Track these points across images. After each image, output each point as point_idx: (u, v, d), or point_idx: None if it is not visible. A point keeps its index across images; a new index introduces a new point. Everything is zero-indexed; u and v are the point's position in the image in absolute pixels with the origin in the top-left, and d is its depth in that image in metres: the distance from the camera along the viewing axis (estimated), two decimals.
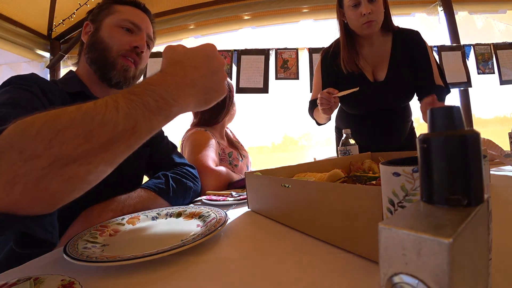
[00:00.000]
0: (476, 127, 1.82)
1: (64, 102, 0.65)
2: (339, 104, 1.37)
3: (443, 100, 1.13)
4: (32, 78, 0.64)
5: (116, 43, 0.73)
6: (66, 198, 0.38)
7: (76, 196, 0.39)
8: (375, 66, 1.19)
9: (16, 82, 0.61)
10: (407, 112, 1.30)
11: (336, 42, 1.23)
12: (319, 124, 1.33)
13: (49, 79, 0.71)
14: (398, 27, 1.17)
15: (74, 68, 0.82)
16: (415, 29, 1.18)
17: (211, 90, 0.47)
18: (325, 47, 1.29)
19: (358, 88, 1.01)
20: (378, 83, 1.17)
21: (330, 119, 1.31)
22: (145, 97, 0.39)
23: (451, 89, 1.21)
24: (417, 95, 1.18)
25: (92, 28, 0.76)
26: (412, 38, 1.14)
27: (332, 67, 1.21)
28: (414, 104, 1.27)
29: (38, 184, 0.34)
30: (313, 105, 1.28)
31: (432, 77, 1.12)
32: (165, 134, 0.98)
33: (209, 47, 0.48)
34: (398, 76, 1.15)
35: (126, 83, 0.77)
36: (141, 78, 0.85)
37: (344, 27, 1.16)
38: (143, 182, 0.81)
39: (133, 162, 0.79)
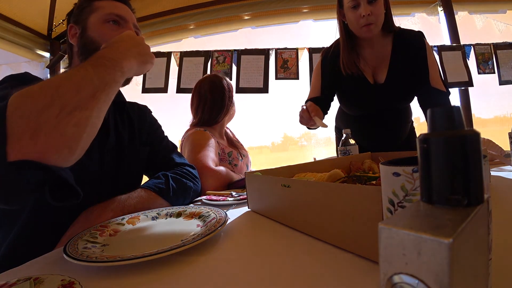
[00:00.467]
0: (476, 127, 1.82)
1: None
2: (339, 105, 1.37)
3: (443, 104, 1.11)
4: (27, 77, 0.64)
5: (107, 40, 0.72)
6: (81, 143, 0.47)
7: (88, 141, 0.49)
8: (375, 67, 1.17)
9: (10, 81, 0.61)
10: (407, 112, 1.29)
11: (337, 42, 1.21)
12: (309, 128, 1.30)
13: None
14: (399, 28, 1.15)
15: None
16: (418, 30, 1.15)
17: (144, 53, 0.63)
18: (326, 47, 1.27)
19: (327, 127, 1.01)
20: (378, 85, 1.16)
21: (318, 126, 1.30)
22: (101, 61, 0.53)
23: (451, 89, 1.18)
24: (417, 98, 1.17)
25: (78, 30, 0.75)
26: (413, 40, 1.12)
27: (333, 68, 1.19)
28: (415, 104, 1.26)
29: (56, 130, 0.42)
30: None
31: (427, 81, 1.09)
32: (165, 134, 0.98)
33: (131, 32, 0.65)
34: (398, 79, 1.13)
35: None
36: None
37: (344, 28, 1.14)
38: (143, 182, 0.81)
39: (132, 161, 0.80)
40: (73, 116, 0.44)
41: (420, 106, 1.15)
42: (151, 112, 0.98)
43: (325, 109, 1.20)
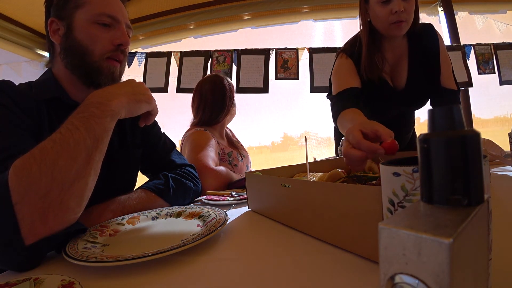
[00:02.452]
0: (476, 127, 1.82)
1: (40, 110, 0.62)
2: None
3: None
4: (1, 89, 0.59)
5: (97, 46, 0.65)
6: (81, 208, 0.49)
7: (85, 204, 0.50)
8: (393, 70, 1.08)
9: None
10: (413, 114, 1.28)
11: (359, 41, 1.05)
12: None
13: (18, 82, 0.67)
14: None
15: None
16: (428, 23, 1.07)
17: (137, 92, 0.60)
18: (347, 44, 1.10)
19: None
20: (398, 91, 1.07)
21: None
22: (89, 109, 0.51)
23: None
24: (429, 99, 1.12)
25: (62, 27, 0.65)
26: (427, 35, 1.04)
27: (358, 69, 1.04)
28: None
29: (62, 207, 0.45)
30: (340, 103, 0.97)
31: (438, 83, 1.04)
32: (163, 132, 0.94)
33: (132, 80, 0.63)
34: (417, 82, 1.06)
35: (114, 83, 0.71)
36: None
37: (369, 27, 1.00)
38: (143, 182, 0.81)
39: (123, 166, 0.78)
40: (74, 188, 0.46)
41: (431, 105, 1.11)
42: None
43: (362, 105, 0.97)
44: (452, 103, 1.05)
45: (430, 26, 1.06)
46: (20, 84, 0.68)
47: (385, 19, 0.93)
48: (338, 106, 0.97)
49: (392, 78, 1.08)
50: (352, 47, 1.07)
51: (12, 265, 0.44)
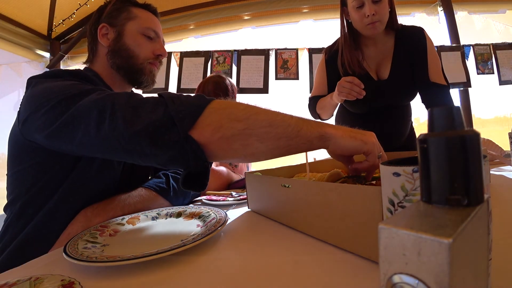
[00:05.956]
0: (476, 127, 1.83)
1: None
2: (343, 104, 1.35)
3: (446, 100, 1.11)
4: (85, 76, 0.66)
5: (142, 52, 0.77)
6: (234, 158, 0.52)
7: (237, 161, 0.52)
8: (378, 64, 1.17)
9: (67, 76, 0.63)
10: (408, 111, 1.29)
11: (340, 41, 1.20)
12: (322, 119, 1.29)
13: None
14: (401, 25, 1.15)
15: (80, 66, 0.81)
16: (419, 26, 1.15)
17: (357, 132, 0.55)
18: (329, 45, 1.26)
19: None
20: (382, 81, 1.16)
21: (332, 115, 1.29)
22: (308, 120, 0.51)
23: (451, 89, 1.19)
24: (419, 94, 1.17)
25: (112, 32, 0.76)
26: (414, 35, 1.13)
27: (338, 66, 1.18)
28: (414, 104, 1.26)
29: (230, 137, 0.47)
30: (314, 102, 1.25)
31: (426, 76, 1.10)
32: None
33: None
34: (401, 74, 1.13)
35: (152, 84, 0.82)
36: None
37: (348, 26, 1.13)
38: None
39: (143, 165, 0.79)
40: (249, 140, 0.48)
41: (422, 101, 1.16)
42: None
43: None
44: (442, 98, 1.10)
45: (419, 29, 1.14)
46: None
47: (360, 22, 1.05)
48: (311, 103, 1.26)
49: (377, 71, 1.18)
50: (333, 46, 1.23)
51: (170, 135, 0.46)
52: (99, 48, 0.78)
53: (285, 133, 0.48)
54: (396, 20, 1.12)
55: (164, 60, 2.29)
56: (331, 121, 1.46)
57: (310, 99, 1.30)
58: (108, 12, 0.78)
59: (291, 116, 0.51)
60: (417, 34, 1.13)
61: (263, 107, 0.51)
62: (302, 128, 0.49)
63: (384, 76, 1.16)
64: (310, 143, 0.50)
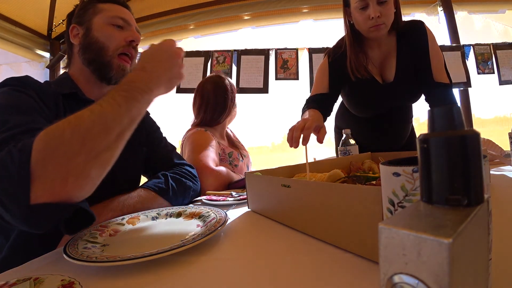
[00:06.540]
0: (476, 127, 1.82)
1: (57, 104, 0.67)
2: (344, 105, 1.34)
3: (449, 99, 1.08)
4: (28, 81, 0.65)
5: (112, 41, 0.74)
6: (98, 180, 0.49)
7: (103, 177, 0.50)
8: (382, 65, 1.13)
9: (12, 84, 0.62)
10: (410, 111, 1.29)
11: (345, 42, 1.12)
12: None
13: (48, 79, 0.73)
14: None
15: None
16: (418, 20, 1.11)
17: (173, 77, 0.62)
18: (333, 46, 1.18)
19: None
20: (388, 84, 1.12)
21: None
22: (133, 93, 0.53)
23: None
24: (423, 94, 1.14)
25: (81, 30, 0.75)
26: (415, 32, 1.08)
27: (341, 68, 1.12)
28: (414, 103, 1.26)
29: (83, 174, 0.45)
30: (308, 104, 1.14)
31: (430, 76, 1.07)
32: (164, 135, 0.98)
33: (168, 43, 0.63)
34: (406, 75, 1.10)
35: None
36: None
37: (351, 28, 1.07)
38: (142, 183, 0.81)
39: (130, 161, 0.79)
40: (99, 159, 0.47)
41: (426, 100, 1.13)
42: (149, 113, 0.97)
43: (329, 110, 1.14)
44: (446, 96, 1.07)
45: (419, 23, 1.09)
46: (42, 82, 0.72)
47: (364, 24, 1.00)
48: (304, 107, 1.15)
49: (382, 73, 1.14)
50: (336, 48, 1.16)
51: (11, 215, 0.43)
52: (73, 50, 0.77)
53: (122, 129, 0.49)
54: (401, 21, 1.07)
55: None
56: (331, 121, 1.47)
57: (306, 100, 1.17)
58: (76, 14, 0.78)
59: (118, 104, 0.50)
60: (418, 31, 1.08)
61: (85, 115, 0.48)
62: (133, 111, 0.52)
63: (389, 78, 1.12)
64: (143, 115, 0.55)
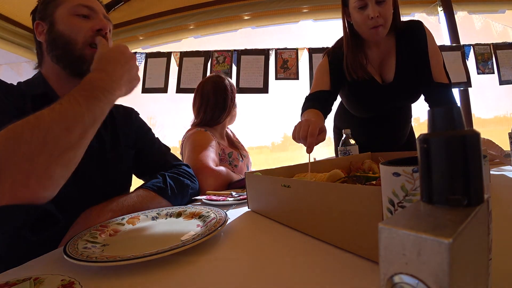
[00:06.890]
0: (476, 127, 1.82)
1: (25, 105, 0.64)
2: (343, 105, 1.34)
3: (448, 99, 1.07)
4: None
5: (78, 33, 0.69)
6: (63, 180, 0.49)
7: (67, 178, 0.50)
8: (381, 65, 1.13)
9: None
10: (410, 111, 1.29)
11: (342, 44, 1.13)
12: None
13: (16, 82, 0.71)
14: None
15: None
16: (417, 20, 1.11)
17: (132, 79, 0.65)
18: (331, 47, 1.19)
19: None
20: (388, 85, 1.11)
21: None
22: (94, 92, 0.54)
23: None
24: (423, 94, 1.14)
25: (45, 26, 0.70)
26: (414, 33, 1.08)
27: (341, 68, 1.12)
28: (414, 103, 1.26)
29: (46, 174, 0.45)
30: (309, 103, 1.12)
31: (430, 76, 1.07)
32: (156, 137, 0.97)
33: (123, 46, 0.65)
34: (406, 75, 1.09)
35: None
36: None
37: (349, 27, 1.07)
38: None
39: (116, 165, 0.78)
40: (62, 158, 0.47)
41: (425, 100, 1.13)
42: (139, 114, 0.96)
43: (329, 108, 1.13)
44: (445, 96, 1.07)
45: (418, 23, 1.09)
46: (9, 83, 0.70)
47: (363, 24, 1.00)
48: (304, 106, 1.13)
49: (381, 74, 1.13)
50: (335, 48, 1.16)
51: None
52: (42, 48, 0.73)
53: (84, 127, 0.49)
54: (400, 21, 1.07)
55: (164, 60, 2.31)
56: (331, 121, 1.47)
57: (306, 98, 1.16)
58: (39, 9, 0.73)
59: (78, 103, 0.50)
60: (417, 31, 1.08)
61: (45, 114, 0.47)
62: (95, 111, 0.52)
63: (389, 79, 1.11)
64: (106, 114, 0.55)
